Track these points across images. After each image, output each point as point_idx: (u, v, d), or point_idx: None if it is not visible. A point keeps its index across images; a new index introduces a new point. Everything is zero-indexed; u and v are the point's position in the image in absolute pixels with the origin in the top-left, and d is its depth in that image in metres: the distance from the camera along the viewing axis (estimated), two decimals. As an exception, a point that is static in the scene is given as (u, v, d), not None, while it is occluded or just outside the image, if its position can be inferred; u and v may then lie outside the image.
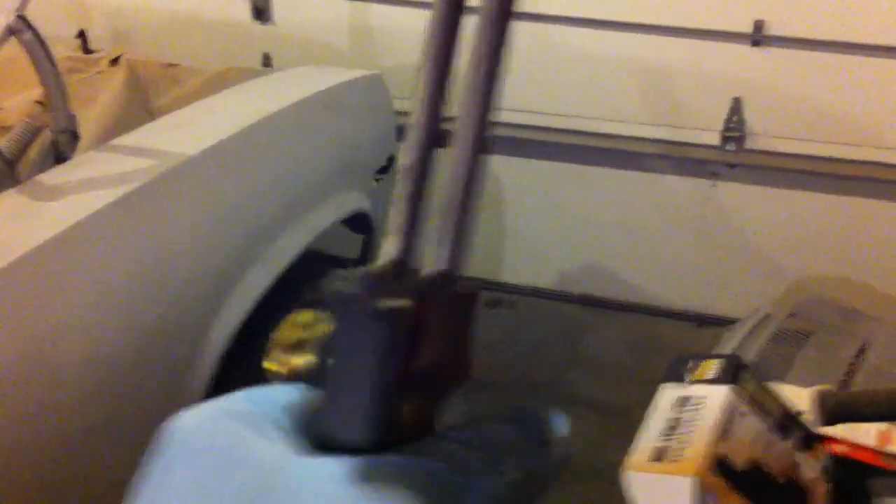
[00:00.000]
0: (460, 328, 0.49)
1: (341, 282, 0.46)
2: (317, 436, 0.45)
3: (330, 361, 0.46)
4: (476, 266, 3.46)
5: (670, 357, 1.75)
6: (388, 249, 0.49)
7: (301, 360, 0.50)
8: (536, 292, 3.45)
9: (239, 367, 1.87)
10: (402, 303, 0.45)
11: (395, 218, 0.49)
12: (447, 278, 0.49)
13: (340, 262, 2.60)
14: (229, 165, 1.83)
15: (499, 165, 3.33)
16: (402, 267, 0.48)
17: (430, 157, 0.51)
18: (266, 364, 0.51)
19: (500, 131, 3.20)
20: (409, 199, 0.49)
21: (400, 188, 0.49)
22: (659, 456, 1.40)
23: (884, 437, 1.52)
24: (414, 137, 0.51)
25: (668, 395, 1.56)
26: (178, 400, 1.67)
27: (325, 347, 0.48)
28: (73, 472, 1.45)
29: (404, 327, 0.45)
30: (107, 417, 1.49)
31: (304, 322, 0.51)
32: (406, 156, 0.50)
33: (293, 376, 0.50)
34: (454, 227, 0.50)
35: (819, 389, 1.10)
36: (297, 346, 0.50)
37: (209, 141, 1.79)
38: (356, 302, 0.45)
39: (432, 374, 0.47)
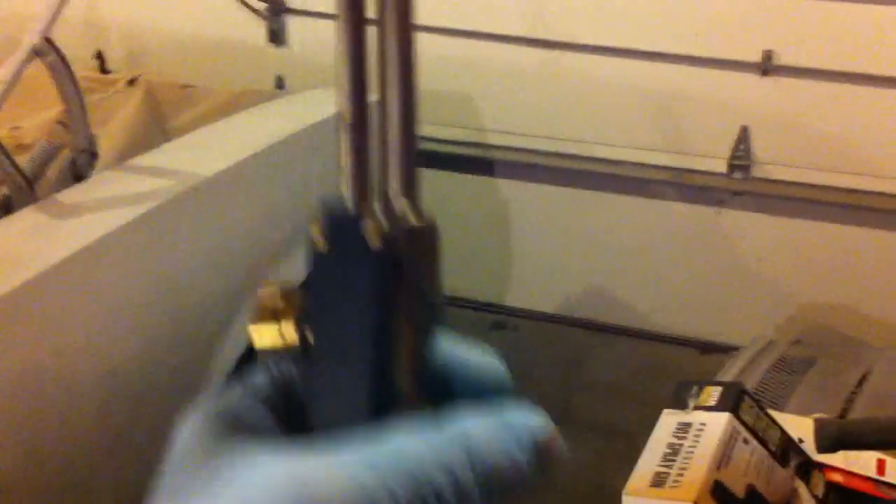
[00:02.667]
0: (433, 262, 0.46)
1: (334, 209, 0.43)
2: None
3: (309, 332, 0.43)
4: (480, 289, 3.50)
5: (672, 382, 1.77)
6: (348, 197, 0.47)
7: (283, 330, 0.46)
8: (540, 316, 3.47)
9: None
10: (392, 231, 0.43)
11: (345, 169, 0.47)
12: (412, 211, 0.47)
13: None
14: (243, 187, 1.86)
15: (505, 189, 3.36)
16: (368, 208, 0.46)
17: (365, 105, 0.49)
18: (252, 329, 0.46)
19: (506, 155, 3.25)
20: (355, 150, 0.47)
21: (344, 141, 0.47)
22: (658, 481, 1.43)
23: (881, 467, 1.54)
24: (346, 90, 0.49)
25: (669, 420, 1.59)
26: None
27: (307, 313, 0.44)
28: (87, 482, 1.48)
29: (397, 257, 0.42)
30: (120, 429, 1.52)
31: (279, 291, 0.48)
32: (343, 108, 0.48)
33: (278, 348, 0.46)
34: (402, 163, 0.48)
35: (819, 417, 1.12)
36: (275, 315, 0.46)
37: (224, 163, 1.83)
38: (353, 229, 0.42)
39: (418, 313, 0.44)
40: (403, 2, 0.49)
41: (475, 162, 3.28)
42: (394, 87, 0.49)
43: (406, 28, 0.50)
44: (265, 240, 1.91)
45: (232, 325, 1.77)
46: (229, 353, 1.76)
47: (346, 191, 0.46)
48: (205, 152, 1.93)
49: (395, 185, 0.47)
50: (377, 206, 0.46)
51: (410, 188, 0.48)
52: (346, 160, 0.47)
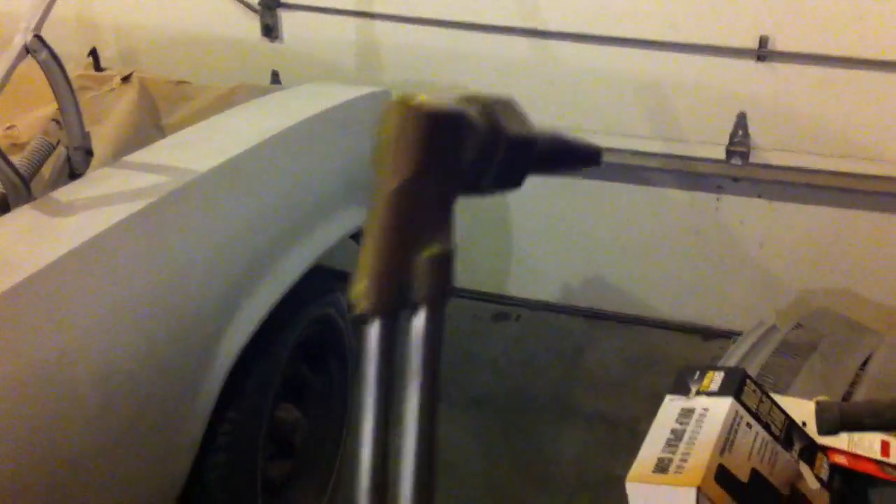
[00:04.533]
0: None
1: None
2: None
3: None
4: (481, 280, 3.49)
5: (675, 370, 1.77)
6: None
7: None
8: (541, 306, 3.47)
9: (248, 380, 1.90)
10: None
11: None
12: None
13: (348, 277, 2.62)
14: (239, 182, 1.85)
15: (505, 180, 3.35)
16: None
17: (384, 485, 0.55)
18: None
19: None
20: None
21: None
22: (662, 467, 1.42)
23: (885, 449, 1.53)
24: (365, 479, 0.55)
25: (671, 406, 1.58)
26: (188, 412, 1.69)
27: None
28: (87, 483, 1.48)
29: None
30: (119, 430, 1.52)
31: None
32: (362, 481, 0.54)
33: None
34: None
35: (821, 399, 1.12)
36: None
37: (220, 158, 1.82)
38: None
39: None
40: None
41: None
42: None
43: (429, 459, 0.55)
44: (262, 235, 1.90)
45: (231, 321, 1.77)
46: (228, 350, 1.75)
47: None
48: (201, 148, 1.92)
49: None
50: None
51: None
52: None
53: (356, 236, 2.39)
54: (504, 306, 3.48)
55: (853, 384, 1.99)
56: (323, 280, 2.24)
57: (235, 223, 1.81)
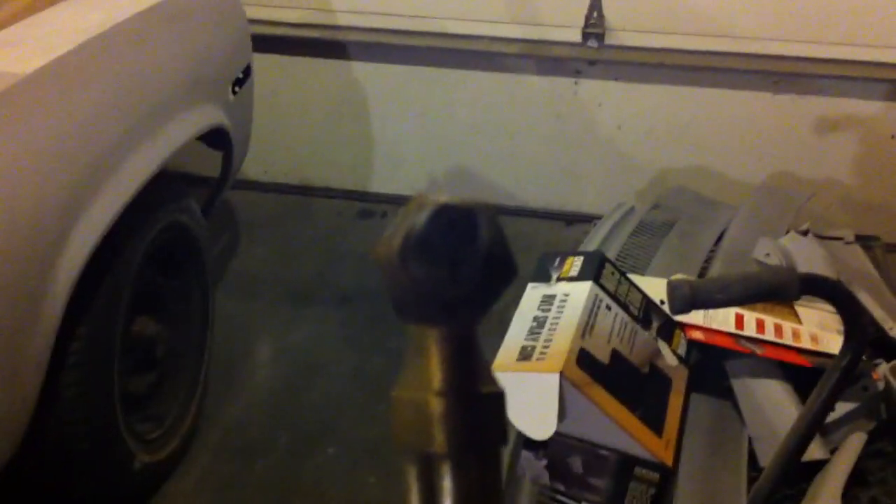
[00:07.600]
0: None
1: None
2: None
3: None
4: (344, 177, 3.42)
5: (537, 257, 1.75)
6: None
7: None
8: (404, 200, 3.41)
9: (97, 293, 1.80)
10: None
11: None
12: None
13: (199, 181, 2.52)
14: (67, 84, 1.72)
15: (358, 72, 3.26)
16: None
17: None
18: None
19: (355, 36, 3.14)
20: None
21: None
22: (525, 355, 1.42)
23: (739, 322, 1.57)
24: None
25: (533, 294, 1.58)
26: (31, 328, 1.60)
27: None
28: None
29: None
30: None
31: None
32: None
33: None
34: None
35: (671, 279, 1.12)
36: None
37: (44, 59, 1.68)
38: None
39: None
40: None
41: (324, 45, 3.16)
42: None
43: None
44: (98, 140, 1.77)
45: (71, 230, 1.66)
46: (69, 263, 1.65)
47: None
48: (22, 48, 1.77)
49: None
50: None
51: None
52: None
53: (206, 137, 2.28)
54: (369, 203, 3.43)
55: (709, 260, 2.04)
56: (173, 185, 2.14)
57: (66, 128, 1.68)
